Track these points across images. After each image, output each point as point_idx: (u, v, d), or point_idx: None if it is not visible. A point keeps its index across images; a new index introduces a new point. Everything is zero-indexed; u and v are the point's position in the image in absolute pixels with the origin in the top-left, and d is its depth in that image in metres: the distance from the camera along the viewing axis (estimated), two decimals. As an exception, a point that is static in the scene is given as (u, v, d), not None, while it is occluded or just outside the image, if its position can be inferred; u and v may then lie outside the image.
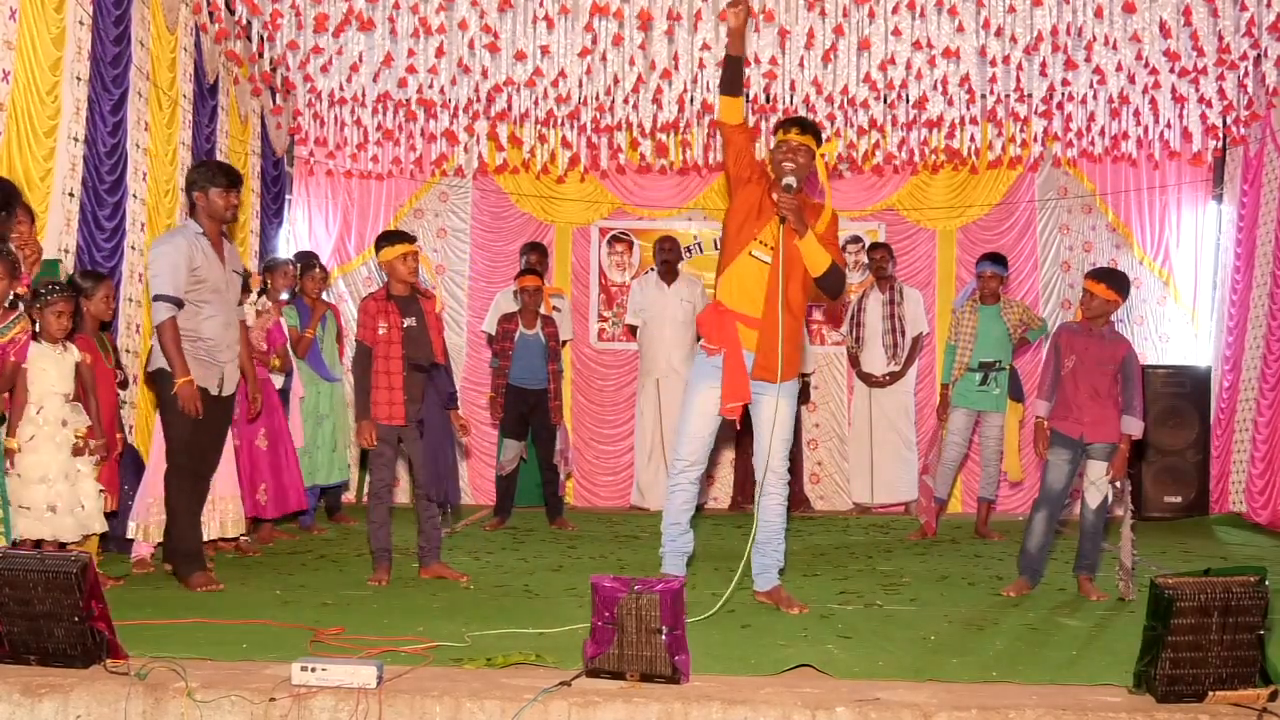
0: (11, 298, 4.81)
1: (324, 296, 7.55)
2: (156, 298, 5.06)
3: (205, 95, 7.80)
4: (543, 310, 7.74)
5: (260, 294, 6.84)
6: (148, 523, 5.66)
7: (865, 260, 9.19)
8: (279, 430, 6.53)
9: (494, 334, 7.92)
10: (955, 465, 7.41)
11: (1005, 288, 7.54)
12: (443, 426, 5.54)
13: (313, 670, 3.35)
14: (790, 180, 4.62)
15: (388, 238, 5.65)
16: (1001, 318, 7.26)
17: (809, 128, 4.77)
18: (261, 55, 7.80)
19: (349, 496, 8.58)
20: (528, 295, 7.62)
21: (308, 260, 7.41)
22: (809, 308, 8.99)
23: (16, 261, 4.78)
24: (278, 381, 6.63)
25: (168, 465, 5.29)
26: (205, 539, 5.81)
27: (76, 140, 6.14)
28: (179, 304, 5.06)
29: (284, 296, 7.14)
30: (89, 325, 5.54)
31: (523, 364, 7.61)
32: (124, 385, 5.96)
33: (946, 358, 7.43)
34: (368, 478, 6.28)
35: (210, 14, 7.54)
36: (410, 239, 5.63)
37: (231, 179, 5.23)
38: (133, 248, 6.79)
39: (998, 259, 7.46)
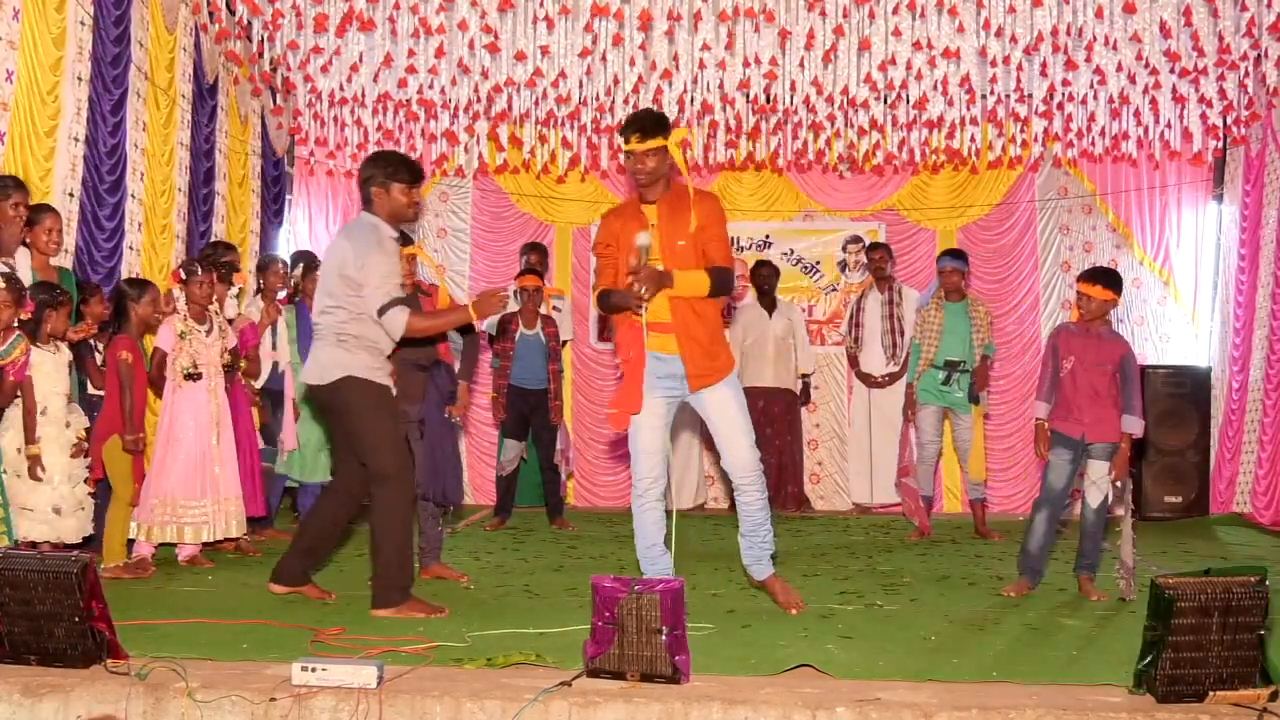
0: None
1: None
2: (386, 308, 4.48)
3: (205, 95, 7.80)
4: (542, 310, 7.74)
5: (256, 293, 6.82)
6: (150, 523, 5.68)
7: (865, 260, 9.19)
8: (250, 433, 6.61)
9: (494, 334, 7.92)
10: (933, 461, 7.39)
11: (967, 283, 7.54)
12: (443, 426, 5.54)
13: (313, 670, 3.35)
14: (638, 254, 4.40)
15: None
16: (968, 315, 7.28)
17: (651, 127, 4.46)
18: (261, 55, 7.79)
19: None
20: (528, 295, 7.62)
21: (310, 262, 7.36)
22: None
23: (23, 288, 4.90)
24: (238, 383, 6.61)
25: (387, 484, 4.61)
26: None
27: (77, 140, 6.14)
28: (407, 302, 4.60)
29: (281, 295, 7.15)
30: (135, 329, 5.68)
31: (523, 364, 7.61)
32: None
33: (913, 356, 7.43)
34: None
35: (210, 14, 7.55)
36: (408, 240, 5.62)
37: (414, 174, 4.72)
38: (131, 248, 6.79)
39: (958, 254, 7.49)
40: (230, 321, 6.27)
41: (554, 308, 8.25)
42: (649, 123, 4.49)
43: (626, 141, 4.51)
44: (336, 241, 4.72)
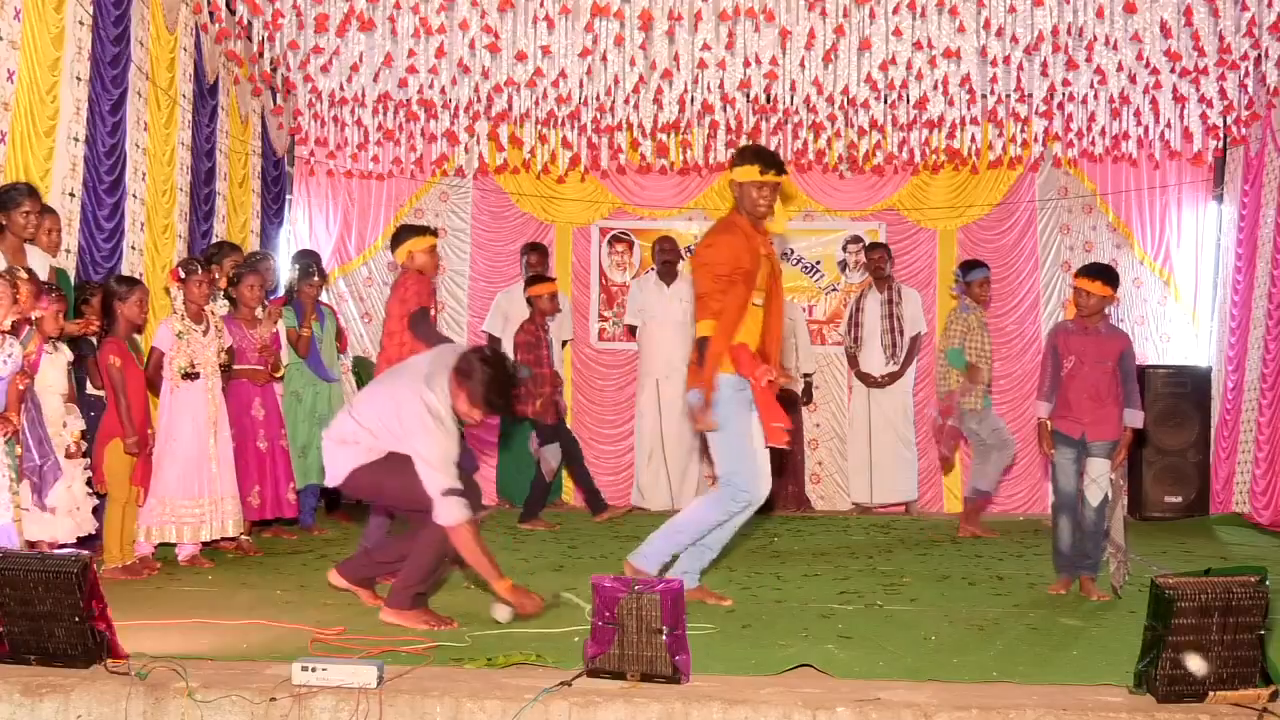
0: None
1: (323, 297, 7.53)
2: (450, 493, 4.35)
3: (205, 95, 7.80)
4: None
5: (226, 298, 6.65)
6: (148, 523, 5.69)
7: (864, 260, 9.19)
8: (277, 434, 6.58)
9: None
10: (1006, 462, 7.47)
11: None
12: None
13: (313, 670, 3.35)
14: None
15: (409, 231, 5.81)
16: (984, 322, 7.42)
17: (780, 164, 4.78)
18: (262, 55, 7.79)
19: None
20: (545, 301, 7.67)
21: (306, 265, 7.34)
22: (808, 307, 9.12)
23: (40, 286, 4.92)
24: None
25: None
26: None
27: (76, 140, 6.13)
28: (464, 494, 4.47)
29: (279, 295, 7.15)
30: (122, 329, 5.59)
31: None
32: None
33: (955, 364, 7.28)
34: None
35: (210, 14, 7.54)
36: (432, 231, 5.82)
37: (492, 407, 4.49)
38: (132, 248, 6.79)
39: (984, 264, 7.61)
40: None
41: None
42: (779, 159, 4.77)
43: (764, 173, 4.65)
44: (415, 384, 4.49)
